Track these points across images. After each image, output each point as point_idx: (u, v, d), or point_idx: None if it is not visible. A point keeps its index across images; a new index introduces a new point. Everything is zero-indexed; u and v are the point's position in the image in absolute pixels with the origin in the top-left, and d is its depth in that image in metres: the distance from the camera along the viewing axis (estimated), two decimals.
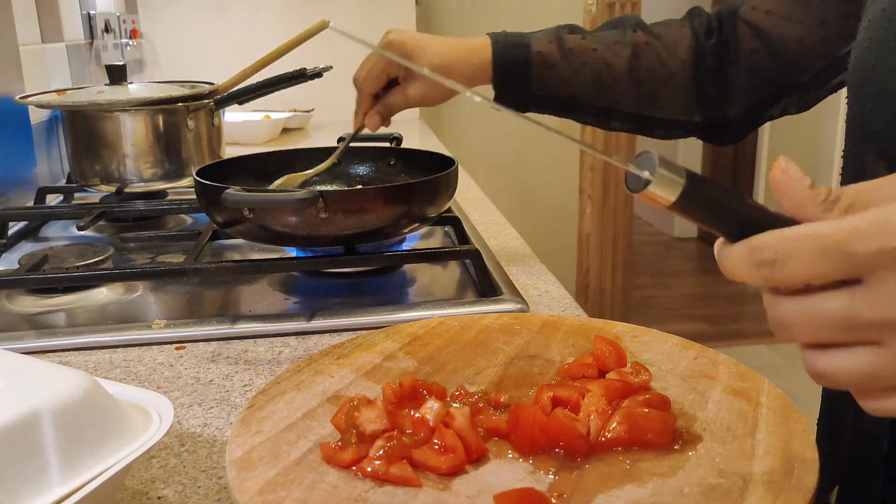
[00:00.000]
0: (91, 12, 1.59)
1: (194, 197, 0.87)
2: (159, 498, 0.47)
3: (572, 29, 0.80)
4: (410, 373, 0.54)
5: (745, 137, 0.81)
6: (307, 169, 0.91)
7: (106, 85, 1.13)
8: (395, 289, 0.83)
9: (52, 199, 1.22)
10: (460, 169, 1.06)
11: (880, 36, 0.52)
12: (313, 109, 1.97)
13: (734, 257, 0.34)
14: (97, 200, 1.16)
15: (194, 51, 2.00)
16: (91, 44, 1.60)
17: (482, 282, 0.78)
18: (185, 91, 1.12)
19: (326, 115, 2.00)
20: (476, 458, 0.44)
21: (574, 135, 1.19)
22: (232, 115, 1.79)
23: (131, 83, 1.14)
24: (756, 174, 3.41)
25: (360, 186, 0.96)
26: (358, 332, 0.68)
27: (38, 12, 1.34)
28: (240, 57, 1.30)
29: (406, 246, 0.88)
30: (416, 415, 0.46)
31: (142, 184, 1.10)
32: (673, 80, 0.78)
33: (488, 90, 0.80)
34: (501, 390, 0.52)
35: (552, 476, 0.43)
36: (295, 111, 1.93)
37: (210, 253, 0.92)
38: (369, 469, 0.42)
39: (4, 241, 0.97)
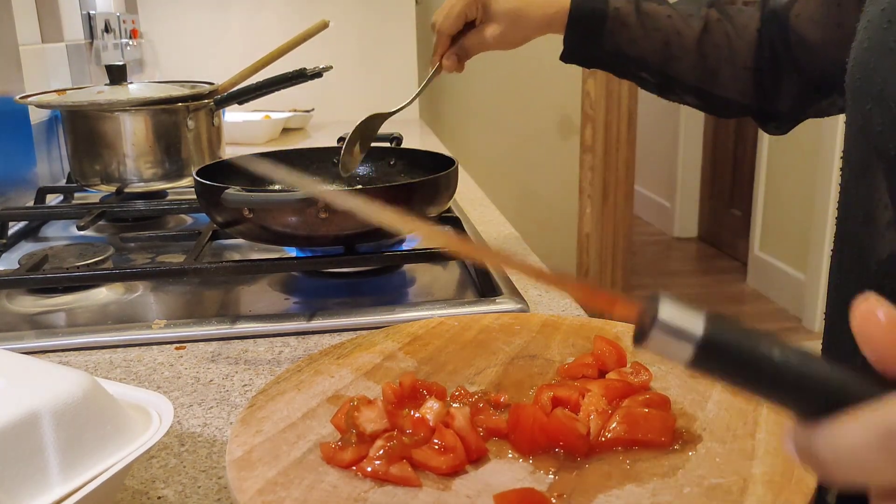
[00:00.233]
0: (91, 12, 1.59)
1: (194, 197, 0.87)
2: (159, 498, 0.47)
3: None
4: (410, 373, 0.54)
5: (791, 129, 0.83)
6: (307, 169, 0.91)
7: (106, 85, 1.13)
8: (395, 289, 0.83)
9: (52, 199, 1.22)
10: (460, 169, 1.06)
11: (880, 37, 0.52)
12: (313, 109, 1.97)
13: (849, 442, 0.25)
14: (97, 200, 1.16)
15: (194, 51, 2.00)
16: (91, 44, 1.60)
17: (482, 282, 0.78)
18: (185, 91, 1.12)
19: (326, 115, 2.00)
20: (476, 458, 0.44)
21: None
22: (232, 115, 1.79)
23: (131, 83, 1.15)
24: (756, 174, 3.41)
25: (360, 186, 0.96)
26: (358, 332, 0.68)
27: (38, 12, 1.34)
28: (240, 57, 1.30)
29: (406, 246, 0.88)
30: (416, 415, 0.46)
31: (142, 184, 1.10)
32: (736, 60, 0.80)
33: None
34: (501, 390, 0.52)
35: (552, 476, 0.43)
36: (295, 111, 1.93)
37: (210, 253, 0.92)
38: (369, 469, 0.42)
39: (4, 241, 0.97)
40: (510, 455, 0.45)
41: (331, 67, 1.07)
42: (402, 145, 1.01)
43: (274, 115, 1.83)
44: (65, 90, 1.16)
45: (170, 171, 1.11)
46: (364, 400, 0.47)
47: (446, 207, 0.84)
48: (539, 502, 0.40)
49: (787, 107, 0.80)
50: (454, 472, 0.43)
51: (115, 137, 1.07)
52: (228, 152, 1.24)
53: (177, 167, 1.11)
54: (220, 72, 1.28)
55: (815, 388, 0.26)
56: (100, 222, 1.02)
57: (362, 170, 0.98)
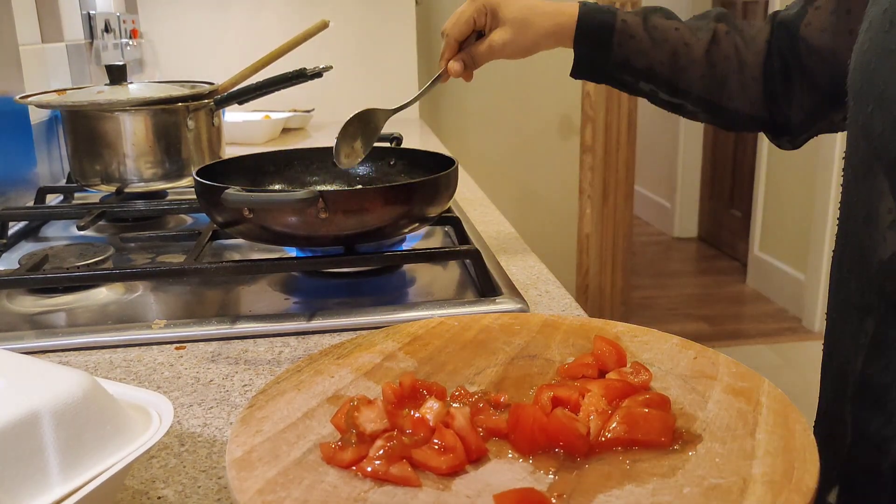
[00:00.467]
0: (91, 12, 1.59)
1: (194, 197, 0.87)
2: (159, 498, 0.47)
3: (660, 11, 0.82)
4: (410, 373, 0.54)
5: (803, 144, 0.83)
6: (307, 169, 0.90)
7: (106, 85, 1.13)
8: (395, 289, 0.83)
9: (52, 199, 1.22)
10: (460, 169, 1.06)
11: (881, 38, 0.52)
12: (313, 109, 1.97)
13: None
14: (97, 200, 1.16)
15: (194, 51, 2.00)
16: (91, 44, 1.60)
17: (482, 282, 0.78)
18: (185, 91, 1.12)
19: (326, 115, 2.00)
20: (476, 458, 0.44)
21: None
22: (232, 115, 1.79)
23: (131, 83, 1.15)
24: (756, 174, 3.41)
25: (360, 186, 0.96)
26: (358, 332, 0.68)
27: (38, 12, 1.34)
28: (240, 57, 1.30)
29: (406, 246, 0.88)
30: (416, 415, 0.46)
31: (142, 184, 1.10)
32: (746, 71, 0.80)
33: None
34: (501, 390, 0.52)
35: (552, 476, 0.43)
36: (295, 111, 1.93)
37: (210, 253, 0.92)
38: (369, 469, 0.42)
39: (4, 241, 0.97)
40: (510, 455, 0.45)
41: (331, 67, 1.07)
42: (402, 145, 1.01)
43: (274, 115, 1.83)
44: (65, 90, 1.16)
45: (170, 171, 1.11)
46: (364, 400, 0.47)
47: (446, 207, 0.84)
48: (539, 502, 0.40)
49: (799, 119, 0.80)
50: (454, 472, 0.43)
51: (115, 137, 1.07)
52: (228, 152, 1.24)
53: (177, 167, 1.11)
54: (220, 72, 1.28)
55: None
56: (100, 222, 1.02)
57: (362, 169, 0.98)
